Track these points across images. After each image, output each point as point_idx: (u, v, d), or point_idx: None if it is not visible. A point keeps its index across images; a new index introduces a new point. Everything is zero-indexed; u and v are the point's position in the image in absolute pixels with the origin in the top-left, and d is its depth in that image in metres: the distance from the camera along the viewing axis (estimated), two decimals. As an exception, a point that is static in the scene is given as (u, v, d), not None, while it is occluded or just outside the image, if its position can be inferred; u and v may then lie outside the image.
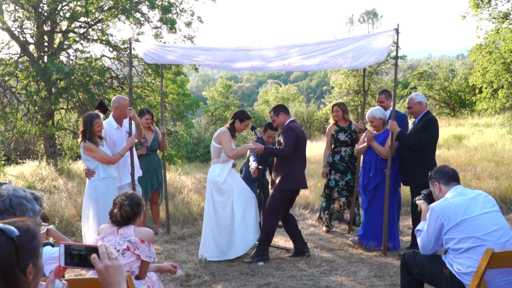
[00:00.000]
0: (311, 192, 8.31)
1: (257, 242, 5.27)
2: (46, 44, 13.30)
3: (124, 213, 3.12)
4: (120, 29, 61.98)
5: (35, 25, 12.89)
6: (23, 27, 12.98)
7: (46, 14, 12.78)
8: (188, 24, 13.73)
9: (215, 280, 4.60)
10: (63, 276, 3.33)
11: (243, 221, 5.22)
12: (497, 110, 17.93)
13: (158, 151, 6.54)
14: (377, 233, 5.42)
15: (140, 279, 3.12)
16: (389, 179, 5.23)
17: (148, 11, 13.32)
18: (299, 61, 5.52)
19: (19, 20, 12.70)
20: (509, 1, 16.17)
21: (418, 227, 3.39)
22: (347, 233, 6.30)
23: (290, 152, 5.08)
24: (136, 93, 12.87)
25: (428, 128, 5.16)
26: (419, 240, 3.29)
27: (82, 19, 13.25)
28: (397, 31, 5.13)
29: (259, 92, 58.45)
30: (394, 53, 6.07)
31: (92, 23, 13.36)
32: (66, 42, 13.51)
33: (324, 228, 6.42)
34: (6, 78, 12.83)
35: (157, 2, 12.95)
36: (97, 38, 13.45)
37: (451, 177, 3.30)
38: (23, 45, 12.97)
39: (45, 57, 13.17)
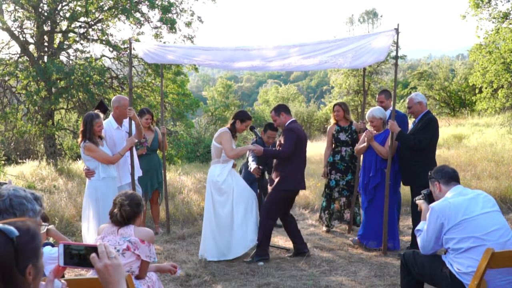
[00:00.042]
0: (311, 192, 8.31)
1: (257, 242, 5.26)
2: (46, 44, 13.30)
3: (124, 213, 3.12)
4: (120, 29, 61.99)
5: (35, 25, 12.89)
6: (23, 27, 12.98)
7: (46, 14, 12.77)
8: (188, 24, 13.73)
9: (215, 280, 4.60)
10: (63, 276, 3.34)
11: (244, 221, 5.21)
12: (497, 110, 17.93)
13: (158, 151, 6.54)
14: (377, 233, 5.42)
15: (140, 279, 3.12)
16: (389, 179, 5.23)
17: (148, 11, 13.33)
18: (299, 61, 5.52)
19: (19, 20, 12.70)
20: (509, 1, 16.18)
21: (418, 227, 3.39)
22: (347, 233, 6.30)
23: (289, 153, 5.07)
24: (136, 93, 12.87)
25: (428, 128, 5.16)
26: (419, 240, 3.29)
27: (82, 19, 13.25)
28: (397, 31, 5.13)
29: (259, 92, 58.44)
30: (394, 53, 6.07)
31: (92, 23, 13.36)
32: (66, 42, 13.50)
33: (324, 228, 6.42)
34: (6, 78, 12.82)
35: (157, 2, 12.95)
36: (97, 38, 13.45)
37: (451, 177, 3.30)
38: (23, 45, 12.97)
39: (45, 57, 13.17)
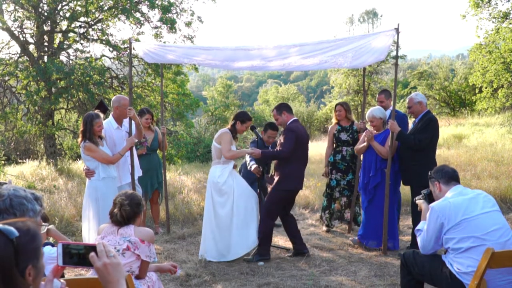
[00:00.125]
0: (311, 192, 8.31)
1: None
2: (46, 44, 13.30)
3: (124, 213, 3.12)
4: (120, 29, 62.16)
5: (35, 25, 12.89)
6: (23, 27, 12.98)
7: (46, 14, 12.77)
8: (188, 24, 13.73)
9: (215, 280, 4.60)
10: (63, 276, 3.33)
11: (244, 222, 5.20)
12: (497, 110, 17.93)
13: (158, 151, 6.54)
14: (377, 232, 5.42)
15: (140, 279, 3.12)
16: (389, 178, 5.23)
17: (148, 11, 13.34)
18: (299, 61, 5.52)
19: (19, 20, 12.70)
20: (509, 1, 16.20)
21: (418, 227, 3.39)
22: (347, 232, 6.30)
23: (288, 154, 5.07)
24: (136, 93, 12.87)
25: (428, 128, 5.16)
26: (419, 240, 3.29)
27: (82, 19, 13.25)
28: (397, 30, 5.13)
29: (259, 92, 58.42)
30: (394, 53, 6.09)
31: (92, 23, 13.36)
32: (66, 42, 13.51)
33: (324, 228, 6.42)
34: (6, 78, 12.83)
35: (157, 2, 12.95)
36: (97, 38, 13.45)
37: (451, 176, 3.30)
38: (23, 45, 12.97)
39: (45, 57, 13.17)
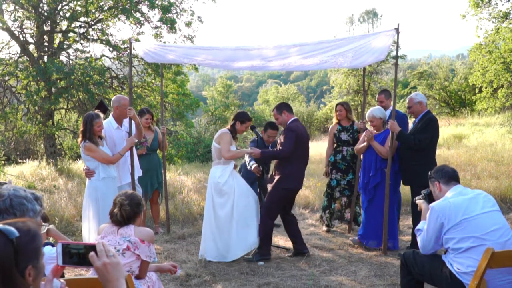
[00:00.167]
0: (311, 192, 8.31)
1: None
2: (46, 44, 13.30)
3: (124, 213, 3.12)
4: (120, 29, 62.17)
5: (35, 25, 12.89)
6: (23, 27, 12.98)
7: (46, 14, 12.77)
8: (188, 24, 13.73)
9: (215, 280, 4.60)
10: (63, 276, 3.33)
11: (245, 223, 5.19)
12: (497, 110, 17.94)
13: (158, 151, 6.54)
14: (377, 232, 5.42)
15: (140, 279, 3.12)
16: (389, 178, 5.23)
17: (148, 11, 13.34)
18: (299, 61, 5.52)
19: (19, 20, 12.70)
20: (509, 1, 16.20)
21: (418, 227, 3.39)
22: (347, 232, 6.30)
23: (288, 153, 5.07)
24: (136, 93, 12.87)
25: (428, 128, 5.16)
26: (419, 240, 3.29)
27: (82, 19, 13.25)
28: (397, 30, 5.13)
29: (259, 92, 58.42)
30: (394, 53, 6.09)
31: (92, 23, 13.36)
32: (66, 42, 13.51)
33: (324, 228, 6.42)
34: (6, 78, 12.83)
35: (157, 2, 12.95)
36: (97, 38, 13.45)
37: (451, 176, 3.30)
38: (23, 45, 12.97)
39: (45, 57, 13.17)
